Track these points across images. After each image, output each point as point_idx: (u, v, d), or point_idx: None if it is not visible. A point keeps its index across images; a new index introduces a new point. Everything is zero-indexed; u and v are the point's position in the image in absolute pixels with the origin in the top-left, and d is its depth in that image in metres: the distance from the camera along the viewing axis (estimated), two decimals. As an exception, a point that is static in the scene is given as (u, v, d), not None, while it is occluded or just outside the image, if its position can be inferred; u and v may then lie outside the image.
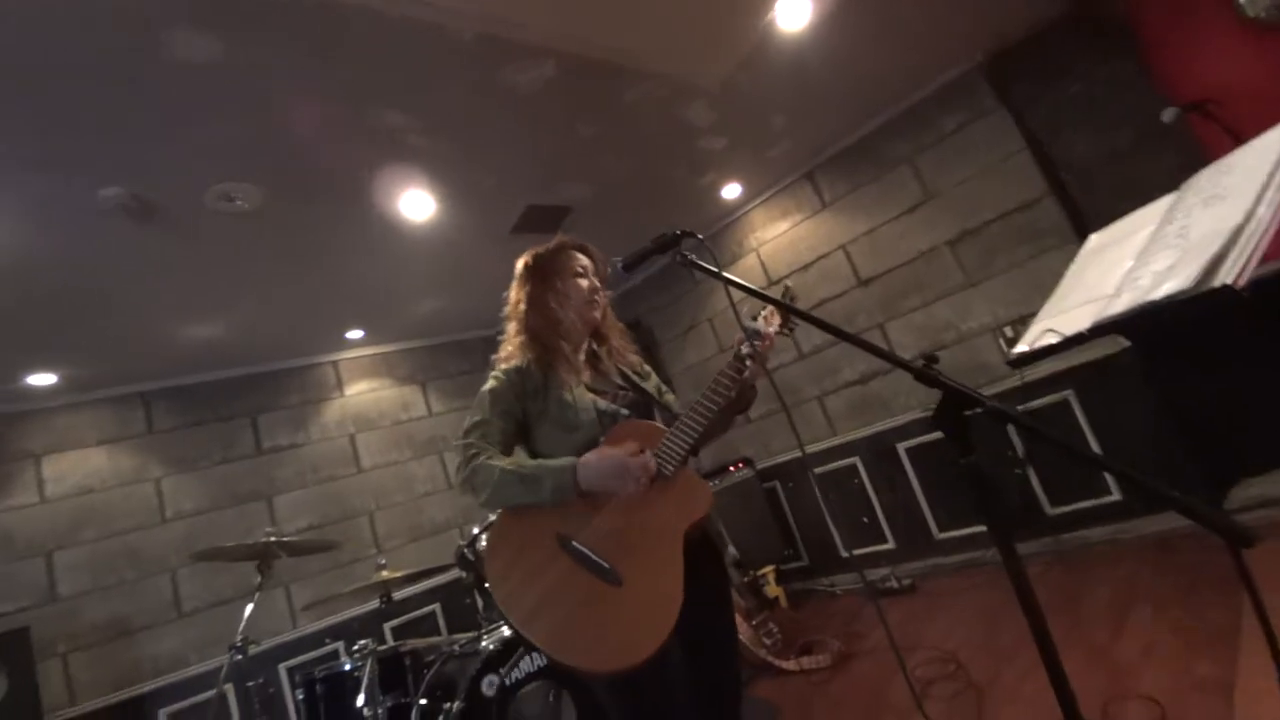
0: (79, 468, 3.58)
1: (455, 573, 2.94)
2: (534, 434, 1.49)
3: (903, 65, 3.44)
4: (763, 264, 4.59)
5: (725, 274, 1.24)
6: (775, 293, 1.34)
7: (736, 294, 1.27)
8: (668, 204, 4.15)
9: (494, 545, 1.38)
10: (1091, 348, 3.12)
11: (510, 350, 1.56)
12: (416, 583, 3.38)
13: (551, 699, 2.40)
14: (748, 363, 1.44)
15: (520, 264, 1.64)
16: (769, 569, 3.88)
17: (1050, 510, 3.40)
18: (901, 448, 3.93)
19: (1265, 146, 1.14)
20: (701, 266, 1.33)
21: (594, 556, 1.26)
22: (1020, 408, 3.34)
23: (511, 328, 1.59)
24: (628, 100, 2.90)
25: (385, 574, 2.66)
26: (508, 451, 1.45)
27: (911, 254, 3.90)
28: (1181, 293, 1.03)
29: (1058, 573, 3.10)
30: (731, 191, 4.34)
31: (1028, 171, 3.47)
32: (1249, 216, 1.03)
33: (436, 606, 4.21)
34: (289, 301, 3.64)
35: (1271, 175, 1.06)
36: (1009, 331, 3.54)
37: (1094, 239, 1.57)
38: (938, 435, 1.11)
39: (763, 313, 1.55)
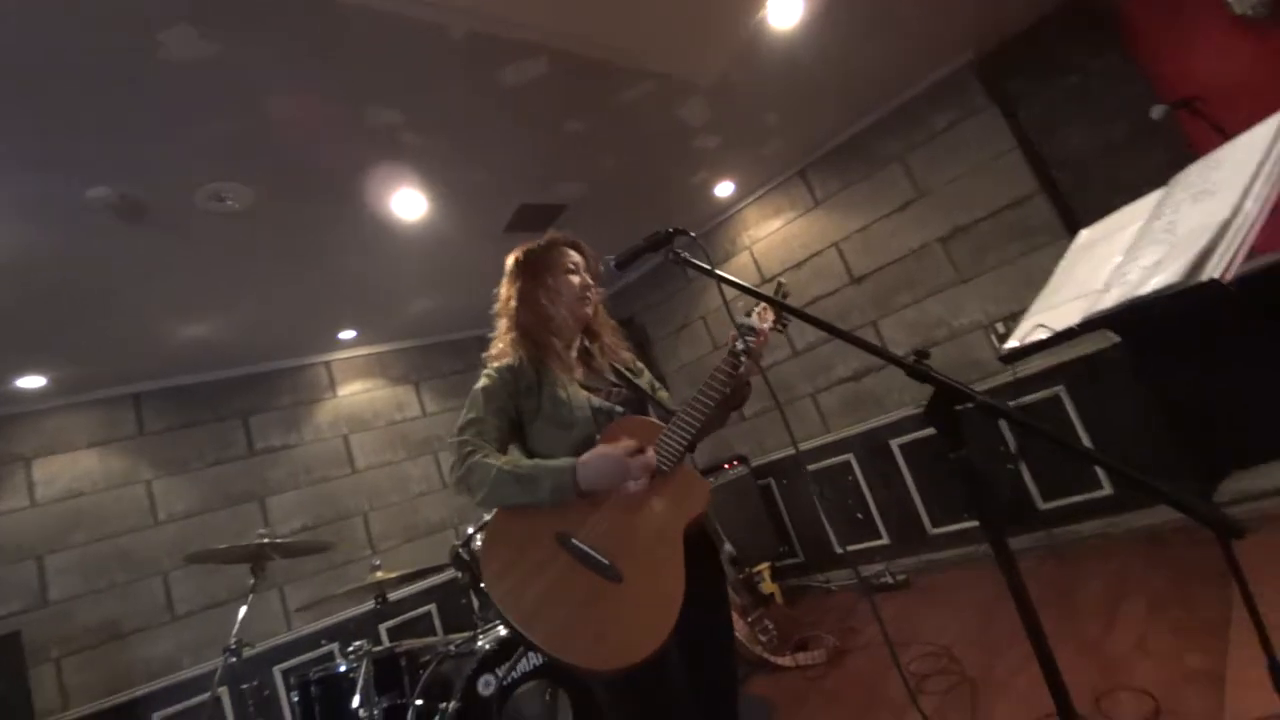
0: (69, 470, 3.56)
1: (451, 573, 2.93)
2: (528, 431, 1.48)
3: (894, 63, 3.45)
4: (756, 262, 4.60)
5: (717, 271, 1.24)
6: (768, 290, 1.34)
7: (730, 291, 1.27)
8: (661, 203, 4.15)
9: (490, 544, 1.36)
10: (1082, 343, 3.15)
11: (501, 348, 1.54)
12: (412, 583, 3.37)
13: (548, 698, 2.40)
14: (743, 359, 1.44)
15: (511, 260, 1.63)
16: (764, 566, 3.89)
17: (1042, 505, 3.42)
18: (895, 444, 3.94)
19: (1252, 142, 1.15)
20: (694, 264, 1.33)
21: (594, 554, 1.25)
22: (1012, 403, 3.36)
23: (502, 325, 1.58)
24: (621, 98, 2.90)
25: (380, 575, 2.65)
26: (503, 449, 1.44)
27: (903, 251, 3.92)
28: (1169, 287, 1.04)
29: (1050, 567, 3.12)
30: (724, 190, 4.34)
31: (1018, 169, 3.49)
32: (1236, 211, 1.04)
33: (432, 607, 4.20)
34: (281, 302, 3.62)
35: (1258, 170, 1.07)
36: (1000, 328, 3.56)
37: (1084, 235, 1.58)
38: (931, 431, 1.12)
39: (756, 309, 1.56)
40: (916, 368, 0.97)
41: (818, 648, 3.08)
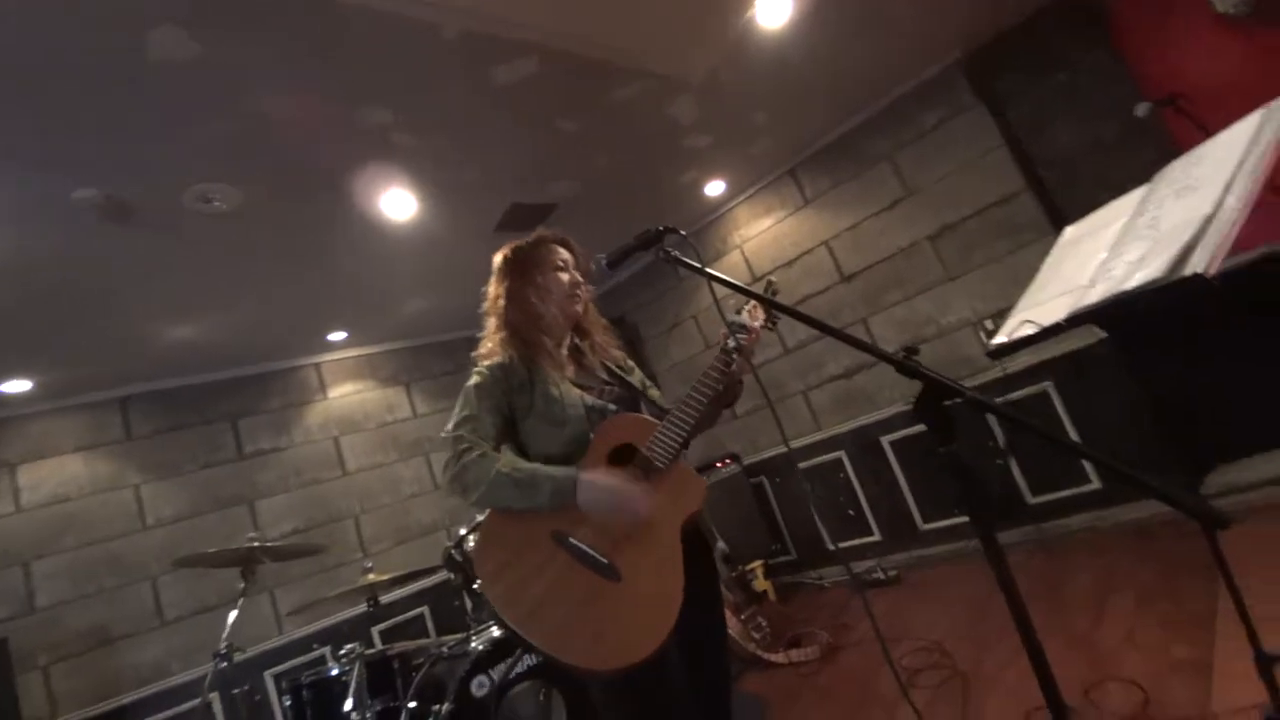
0: (56, 475, 3.52)
1: (443, 574, 2.92)
2: (521, 428, 1.46)
3: (882, 62, 3.46)
4: (747, 260, 4.61)
5: (707, 269, 1.24)
6: (758, 288, 1.35)
7: (721, 290, 1.28)
8: (652, 202, 4.15)
9: (485, 545, 1.34)
10: (1069, 339, 3.18)
11: (491, 346, 1.53)
12: (404, 585, 3.36)
13: (542, 698, 2.40)
14: (734, 356, 1.45)
15: (499, 258, 1.62)
16: (757, 564, 3.90)
17: (1031, 499, 3.45)
18: (885, 441, 3.96)
19: (1232, 138, 1.17)
20: (683, 262, 1.33)
21: (592, 552, 1.24)
22: (1001, 400, 3.39)
23: (491, 323, 1.56)
24: (612, 97, 2.90)
25: (372, 577, 2.64)
26: (498, 447, 1.42)
27: (892, 249, 3.94)
28: (1153, 282, 1.05)
29: (1039, 560, 3.14)
30: (715, 189, 4.35)
31: (1005, 167, 3.51)
32: (1218, 206, 1.05)
33: (425, 609, 4.19)
34: (270, 304, 3.60)
35: (1239, 165, 1.08)
36: (989, 324, 3.59)
37: (1069, 231, 1.60)
38: (921, 428, 1.12)
39: (746, 307, 1.56)
40: (905, 364, 0.97)
41: (811, 644, 3.09)
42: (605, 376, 1.59)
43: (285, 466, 4.15)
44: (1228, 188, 1.07)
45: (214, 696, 3.40)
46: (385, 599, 3.16)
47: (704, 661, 1.43)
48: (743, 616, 3.24)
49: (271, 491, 4.06)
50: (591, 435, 1.41)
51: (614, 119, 3.07)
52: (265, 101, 2.21)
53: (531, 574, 1.23)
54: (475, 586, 2.62)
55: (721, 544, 3.56)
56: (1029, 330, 1.35)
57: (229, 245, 2.91)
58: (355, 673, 2.30)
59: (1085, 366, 3.24)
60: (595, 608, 1.19)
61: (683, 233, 1.35)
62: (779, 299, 1.33)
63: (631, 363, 1.70)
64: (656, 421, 1.42)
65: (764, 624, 3.27)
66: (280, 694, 3.52)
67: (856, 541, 4.12)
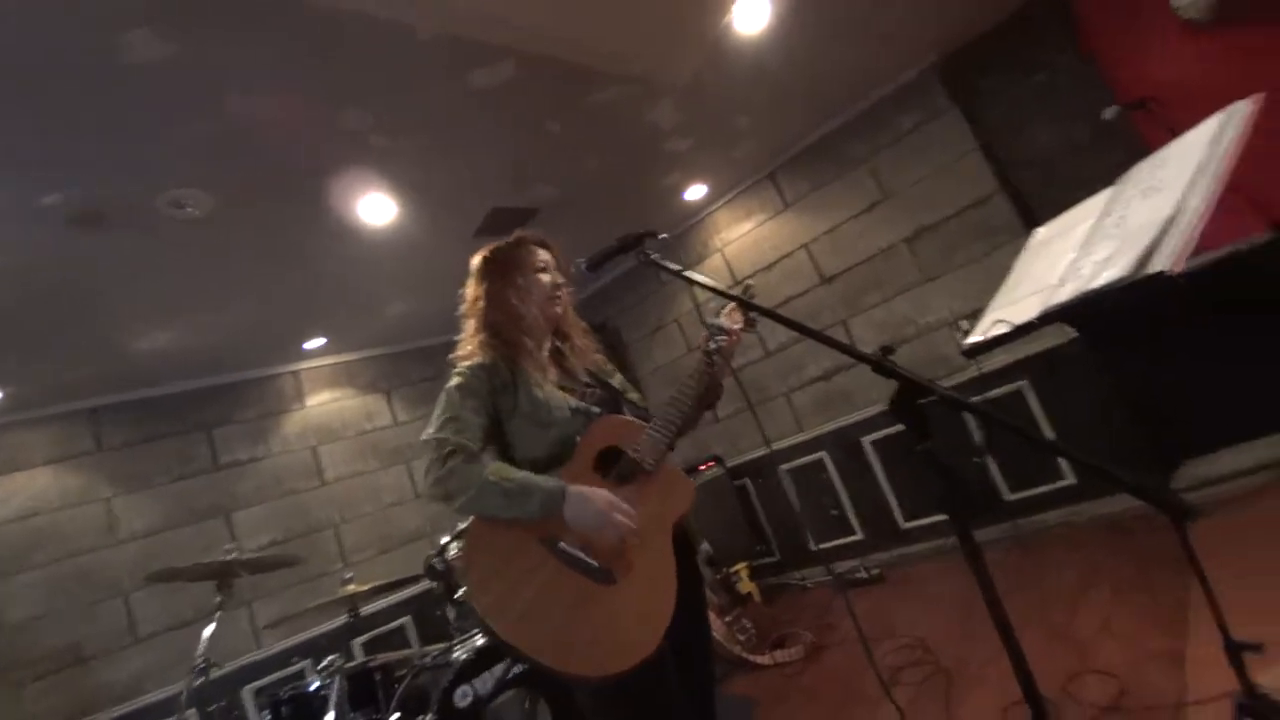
0: (25, 489, 3.42)
1: (425, 584, 2.89)
2: (506, 429, 1.43)
3: (860, 66, 3.51)
4: (727, 264, 4.63)
5: (686, 272, 1.25)
6: (735, 292, 1.36)
7: (702, 294, 1.28)
8: (633, 206, 4.15)
9: (472, 552, 1.29)
10: (1042, 338, 3.23)
11: (470, 349, 1.49)
12: (385, 596, 3.32)
13: (527, 706, 2.38)
14: (715, 358, 1.46)
15: (478, 259, 1.60)
16: (742, 566, 3.91)
17: (1008, 496, 3.51)
18: (866, 441, 4.00)
19: (1195, 139, 1.20)
20: (663, 265, 1.34)
21: (583, 556, 1.22)
22: (977, 399, 3.44)
23: (470, 325, 1.54)
24: (591, 101, 2.90)
25: (352, 588, 2.60)
26: (483, 449, 1.40)
27: (871, 251, 3.99)
28: (1119, 280, 1.07)
29: (1016, 556, 3.19)
30: (696, 193, 4.37)
31: (980, 170, 3.57)
32: (1181, 206, 1.08)
33: (407, 619, 4.13)
34: (245, 310, 3.53)
35: (1202, 166, 1.11)
36: (965, 325, 3.64)
37: (1040, 232, 1.63)
38: (901, 427, 1.14)
39: (725, 310, 1.57)
40: (881, 364, 0.99)
41: (795, 645, 3.10)
42: (586, 379, 1.58)
43: (263, 477, 4.08)
44: (1190, 188, 1.09)
45: (191, 714, 3.31)
46: (366, 610, 3.12)
47: (691, 665, 1.42)
48: (728, 619, 3.25)
49: (249, 503, 3.98)
50: (578, 438, 1.40)
51: (594, 123, 3.07)
52: (242, 104, 2.17)
53: (521, 580, 1.20)
54: (458, 596, 2.59)
55: (706, 546, 3.56)
56: (1002, 329, 1.37)
57: (203, 251, 2.86)
58: (336, 686, 2.26)
59: (1058, 365, 3.31)
60: (588, 611, 1.18)
61: (662, 236, 1.36)
62: (757, 301, 1.34)
63: (611, 365, 1.70)
64: (642, 424, 1.42)
65: (749, 626, 3.28)
66: (259, 710, 3.46)
67: (839, 541, 4.15)
